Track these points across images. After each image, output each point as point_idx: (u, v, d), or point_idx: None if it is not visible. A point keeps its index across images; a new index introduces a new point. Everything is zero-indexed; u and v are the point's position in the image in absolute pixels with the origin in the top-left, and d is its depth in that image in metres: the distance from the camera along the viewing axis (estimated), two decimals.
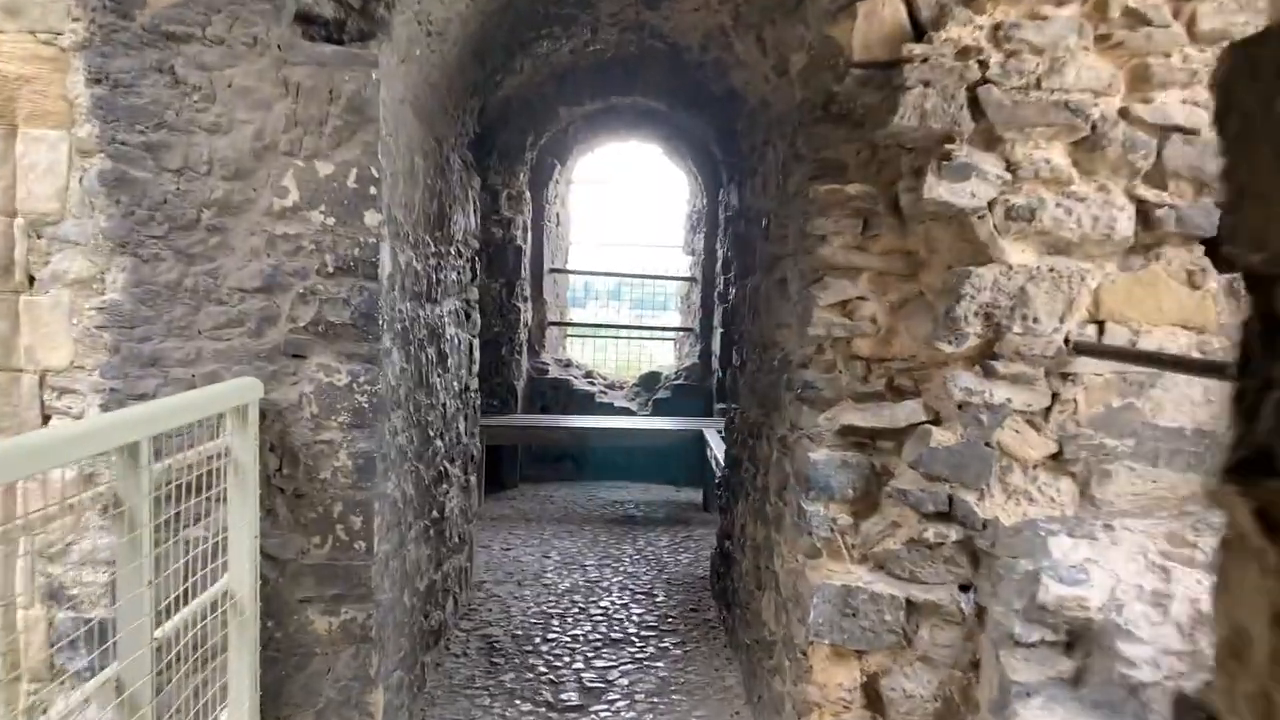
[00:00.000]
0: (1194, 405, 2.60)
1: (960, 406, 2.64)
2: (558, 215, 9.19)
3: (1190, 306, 2.60)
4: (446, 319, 4.34)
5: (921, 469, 2.65)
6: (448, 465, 4.47)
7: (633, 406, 8.86)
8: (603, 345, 10.82)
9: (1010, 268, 2.57)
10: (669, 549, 6.19)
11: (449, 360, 4.38)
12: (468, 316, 5.04)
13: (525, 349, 8.61)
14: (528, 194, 8.47)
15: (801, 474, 2.86)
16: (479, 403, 5.41)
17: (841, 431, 2.80)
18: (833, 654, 2.73)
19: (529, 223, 8.56)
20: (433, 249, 3.98)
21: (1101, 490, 2.63)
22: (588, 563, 5.81)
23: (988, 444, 2.63)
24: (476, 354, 5.26)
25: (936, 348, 2.65)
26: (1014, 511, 2.63)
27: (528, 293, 8.61)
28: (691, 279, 9.28)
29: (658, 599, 5.12)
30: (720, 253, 8.57)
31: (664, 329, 10.05)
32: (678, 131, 8.70)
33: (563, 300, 9.51)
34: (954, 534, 2.64)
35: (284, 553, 2.89)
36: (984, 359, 2.64)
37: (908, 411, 2.73)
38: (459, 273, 4.69)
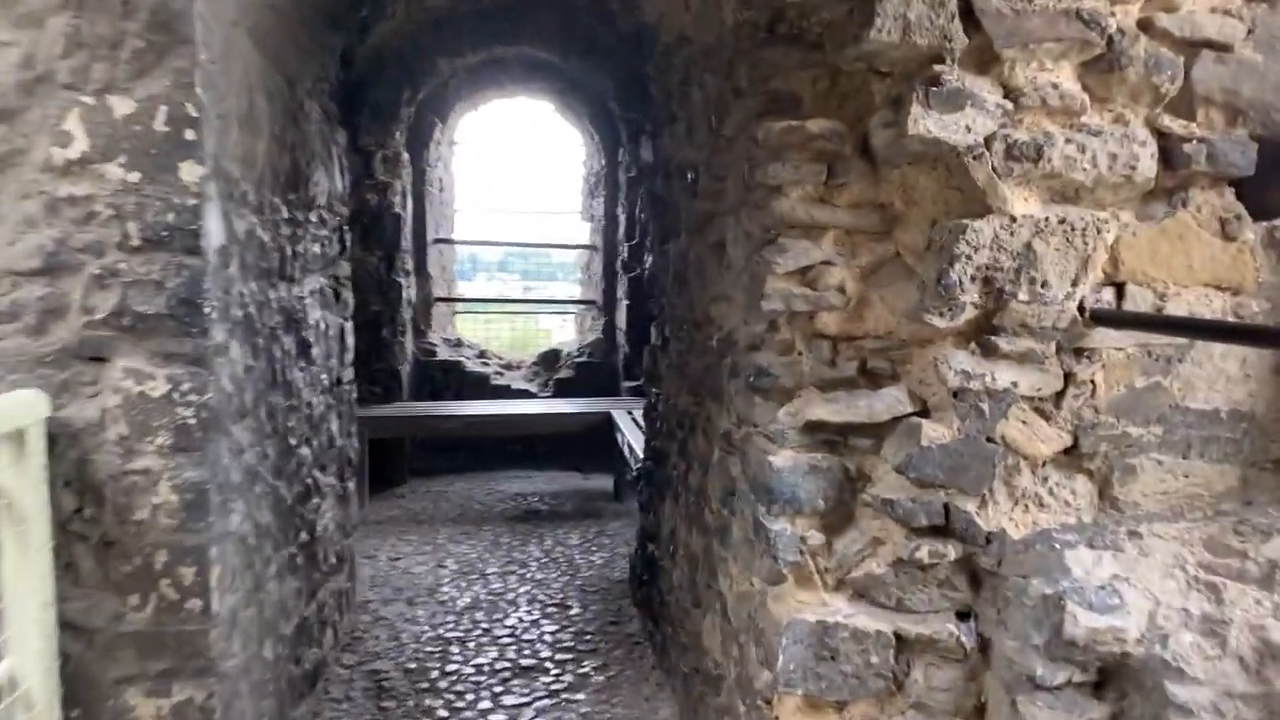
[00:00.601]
0: (1229, 382, 2.20)
1: (955, 395, 2.17)
2: (440, 180, 8.46)
3: (1224, 262, 2.19)
4: (309, 300, 3.66)
5: (911, 473, 2.18)
6: (318, 475, 3.81)
7: (532, 388, 8.26)
8: (494, 322, 10.16)
9: (1013, 220, 2.10)
10: (581, 548, 5.66)
11: (314, 350, 3.71)
12: (337, 296, 4.35)
13: (410, 329, 7.89)
14: (405, 156, 7.71)
15: (760, 482, 2.35)
16: (356, 395, 4.73)
17: (807, 428, 2.30)
18: (805, 704, 2.25)
19: (408, 188, 7.81)
20: (286, 215, 3.30)
21: (1124, 489, 2.21)
22: (490, 571, 5.23)
23: (990, 439, 2.17)
24: (350, 339, 4.58)
25: (922, 322, 2.17)
26: (1023, 520, 2.19)
27: (410, 266, 7.88)
28: (591, 247, 8.71)
29: (572, 611, 4.58)
30: (622, 218, 8.02)
31: (563, 302, 9.44)
32: (571, 86, 8.07)
33: (450, 274, 8.80)
34: (952, 551, 2.18)
35: (92, 619, 2.23)
36: (981, 334, 2.18)
37: (888, 402, 2.25)
38: (323, 245, 4.01)
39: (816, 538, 2.27)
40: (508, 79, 8.05)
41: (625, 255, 7.88)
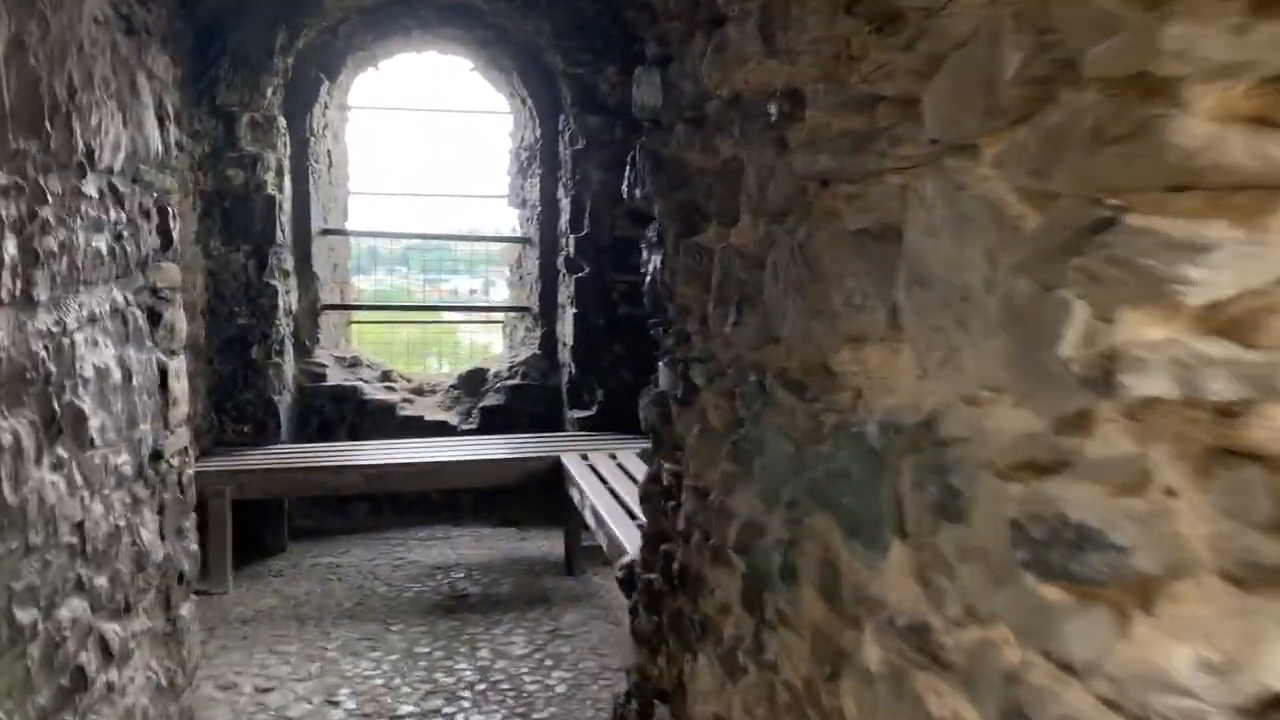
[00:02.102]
0: None
1: None
2: (329, 155, 6.89)
3: None
4: (81, 335, 2.17)
5: None
6: (112, 629, 2.32)
7: (451, 418, 6.76)
8: (392, 331, 8.55)
9: None
10: (530, 663, 4.23)
11: (90, 424, 2.21)
12: (155, 320, 2.84)
13: (289, 347, 6.32)
14: (282, 122, 6.15)
15: None
16: (189, 469, 3.21)
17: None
18: None
19: (287, 164, 6.24)
20: (25, 187, 1.82)
21: None
22: (404, 710, 3.76)
23: None
24: (179, 385, 3.06)
25: None
26: None
27: (289, 265, 6.30)
28: (524, 240, 7.24)
29: None
30: (566, 203, 6.59)
31: (487, 309, 7.91)
32: (497, 35, 6.61)
33: (343, 273, 7.24)
34: None
35: None
36: None
37: None
38: (119, 236, 2.50)
39: None
40: (416, 25, 6.56)
41: (571, 250, 6.45)
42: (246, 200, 5.85)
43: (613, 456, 5.49)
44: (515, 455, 5.71)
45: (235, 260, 5.87)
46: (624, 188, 3.18)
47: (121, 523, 2.44)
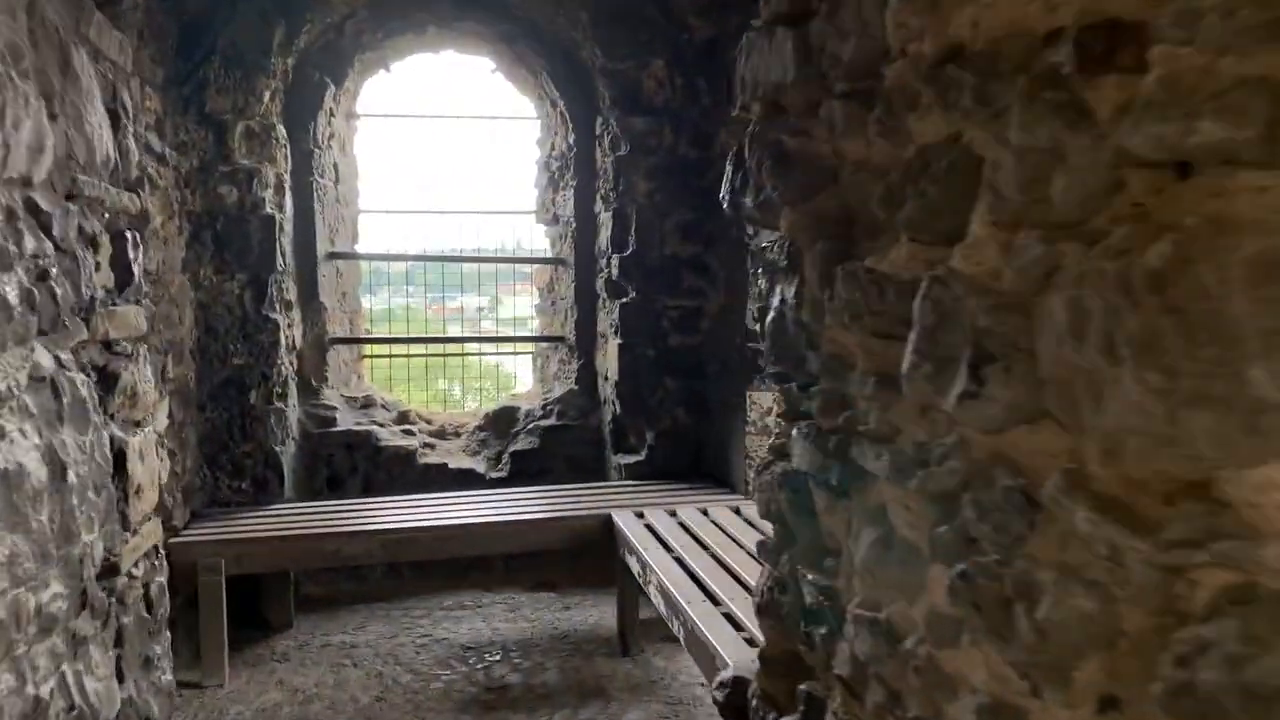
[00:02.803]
0: None
1: None
2: (335, 167, 6.22)
3: None
4: None
5: None
6: None
7: (478, 465, 6.05)
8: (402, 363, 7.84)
9: None
10: None
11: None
12: (108, 384, 2.14)
13: (292, 388, 5.63)
14: (282, 132, 5.48)
15: None
16: (159, 577, 2.50)
17: None
18: None
19: (288, 179, 5.57)
20: None
21: None
22: None
23: None
24: (143, 465, 2.36)
25: None
26: None
27: (291, 294, 5.62)
28: (557, 260, 6.55)
29: None
30: (606, 218, 5.89)
31: (517, 340, 7.17)
32: (525, 30, 5.94)
33: (353, 301, 6.55)
34: None
35: None
36: None
37: None
38: (48, 277, 1.81)
39: None
40: (431, 20, 5.89)
41: (613, 272, 5.75)
42: (242, 221, 5.18)
43: (672, 513, 4.77)
44: (557, 514, 4.99)
45: (229, 291, 5.19)
46: (724, 196, 2.45)
47: (49, 686, 1.73)
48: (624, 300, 5.63)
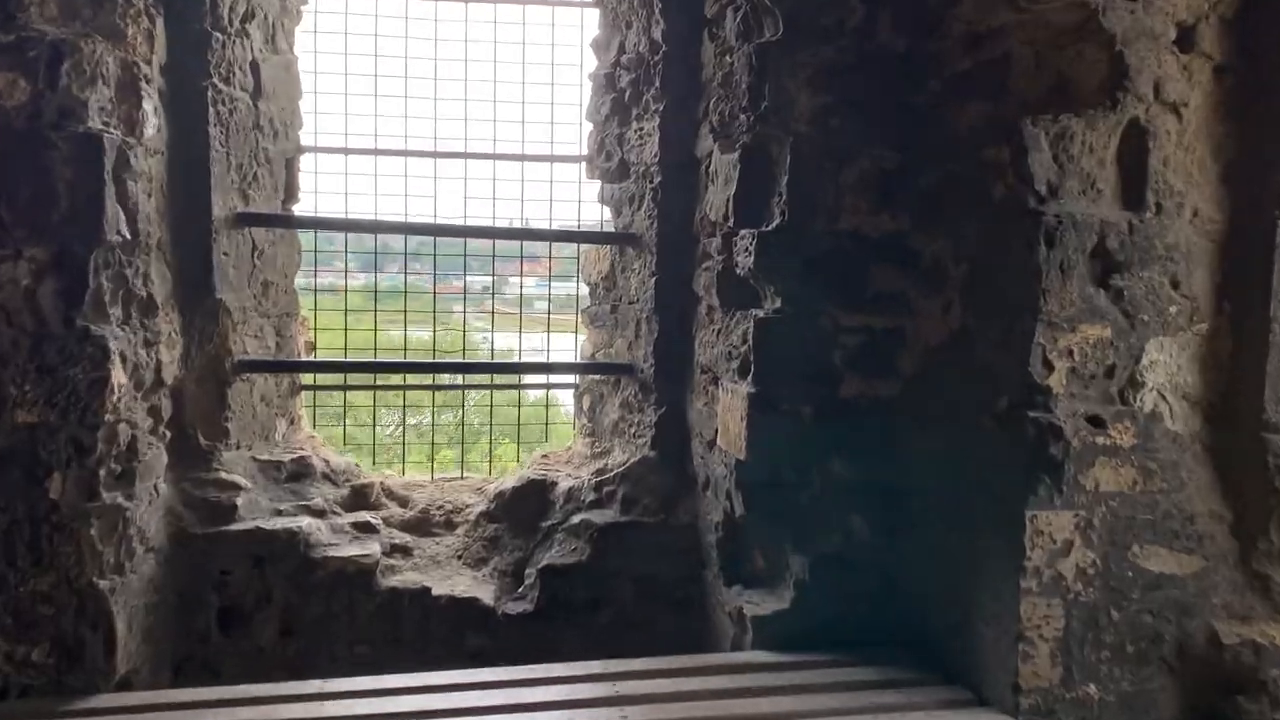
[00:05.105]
0: None
1: None
2: (256, 70, 3.76)
3: None
4: None
5: None
6: None
7: (482, 591, 3.62)
8: (391, 320, 5.24)
9: None
10: None
11: None
12: None
13: (152, 460, 3.21)
14: None
15: None
16: None
17: None
18: None
19: (155, 77, 3.16)
20: None
21: None
22: None
23: None
24: None
25: None
26: None
27: (155, 287, 3.19)
28: (624, 237, 4.09)
29: None
30: (723, 164, 3.42)
31: (558, 368, 4.49)
32: None
33: (287, 297, 4.12)
34: None
35: None
36: None
37: None
38: None
39: None
40: None
41: (739, 261, 3.26)
42: (32, 146, 2.76)
43: None
44: None
45: (8, 281, 2.77)
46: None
47: None
48: (757, 312, 3.17)
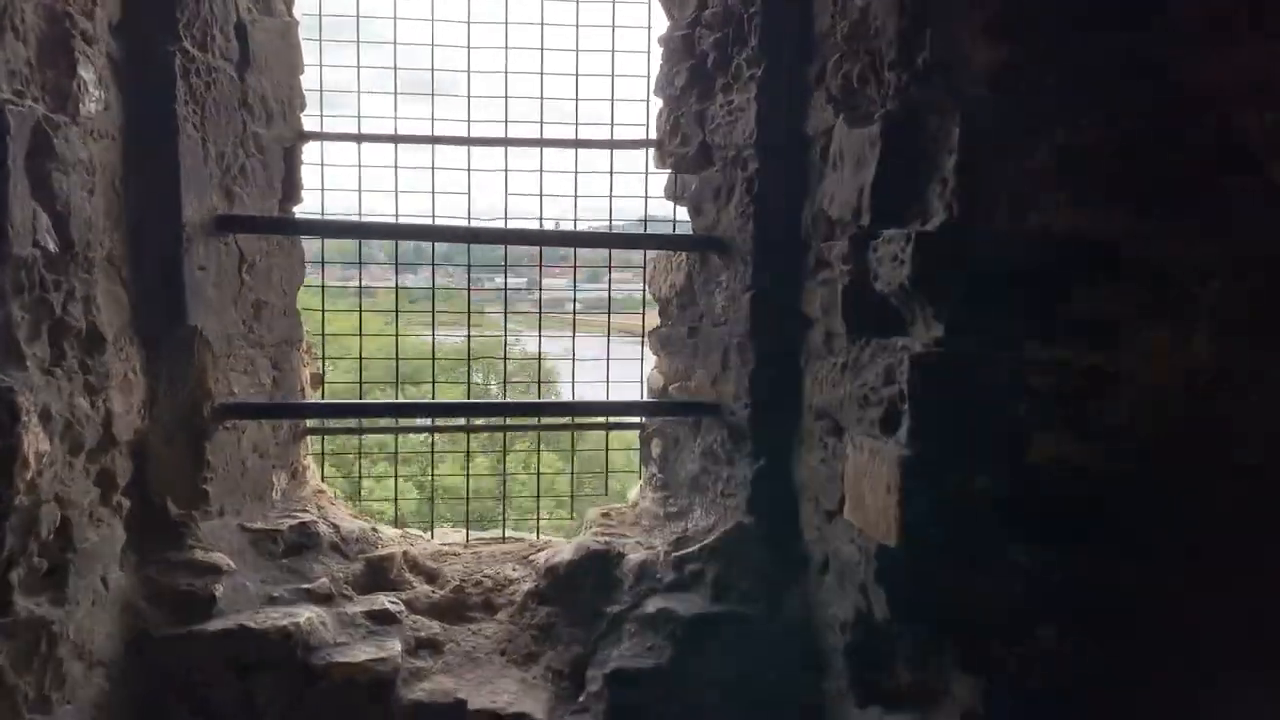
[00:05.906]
0: None
1: None
2: (244, 33, 2.99)
3: None
4: None
5: None
6: None
7: (535, 710, 2.81)
8: (398, 344, 4.42)
9: None
10: None
11: None
12: None
13: (95, 549, 2.43)
14: None
15: None
16: None
17: None
18: None
19: (107, 42, 2.39)
20: None
21: None
22: None
23: None
24: None
25: None
26: None
27: (101, 315, 2.41)
28: (707, 242, 3.27)
29: None
30: (855, 140, 2.59)
31: (618, 407, 3.65)
32: None
33: (285, 316, 3.34)
34: None
35: None
36: None
37: None
38: None
39: None
40: None
41: (879, 274, 2.43)
42: None
43: None
44: None
45: None
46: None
47: None
48: (907, 343, 2.34)
